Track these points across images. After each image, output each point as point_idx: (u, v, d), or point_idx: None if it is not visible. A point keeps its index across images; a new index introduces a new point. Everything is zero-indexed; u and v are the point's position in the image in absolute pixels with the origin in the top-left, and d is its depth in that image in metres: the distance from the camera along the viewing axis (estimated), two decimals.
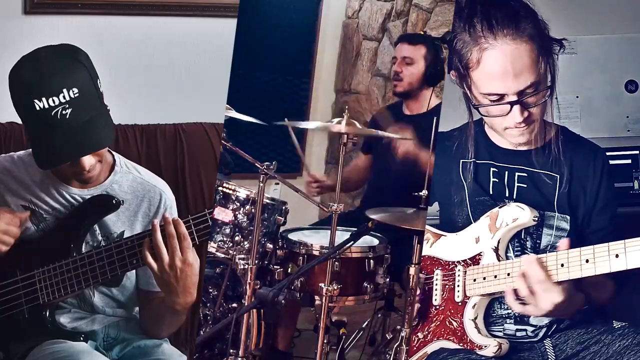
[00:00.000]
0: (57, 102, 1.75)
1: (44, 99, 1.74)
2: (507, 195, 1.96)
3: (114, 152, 2.06)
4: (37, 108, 1.74)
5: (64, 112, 1.75)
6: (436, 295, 1.98)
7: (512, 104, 1.80)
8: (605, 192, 1.94)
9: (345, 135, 2.32)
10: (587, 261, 1.71)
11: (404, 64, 2.94)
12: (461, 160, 1.99)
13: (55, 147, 1.78)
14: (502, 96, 1.81)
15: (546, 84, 1.81)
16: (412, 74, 2.93)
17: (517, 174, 1.95)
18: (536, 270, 1.74)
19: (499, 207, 1.92)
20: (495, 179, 1.97)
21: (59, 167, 1.88)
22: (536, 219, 1.87)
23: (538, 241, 1.93)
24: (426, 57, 2.92)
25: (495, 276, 1.88)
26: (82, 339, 1.92)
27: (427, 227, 2.08)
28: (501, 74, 1.78)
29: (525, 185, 1.95)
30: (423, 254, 2.06)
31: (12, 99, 1.82)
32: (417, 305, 2.01)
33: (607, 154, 2.78)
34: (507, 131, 1.89)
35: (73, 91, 1.76)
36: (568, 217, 1.92)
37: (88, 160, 1.84)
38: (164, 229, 1.81)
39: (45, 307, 1.91)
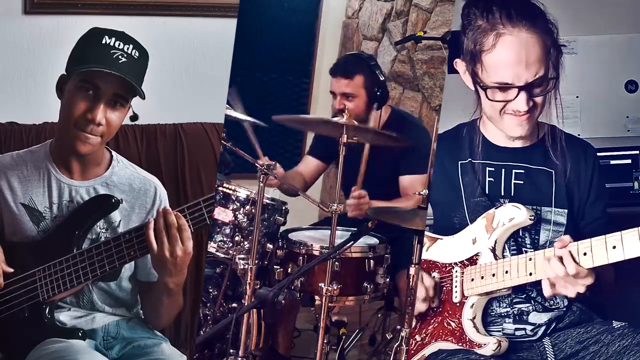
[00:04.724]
0: (120, 47, 1.89)
1: (113, 38, 1.89)
2: (503, 193, 1.96)
3: (110, 149, 2.08)
4: (103, 42, 1.89)
5: (120, 57, 1.89)
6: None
7: (520, 88, 1.82)
8: (597, 186, 1.97)
9: (345, 136, 2.33)
10: (585, 254, 1.73)
11: (344, 99, 2.75)
12: (460, 162, 2.00)
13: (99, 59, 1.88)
14: (509, 87, 1.83)
15: (552, 76, 1.84)
16: (356, 106, 2.73)
17: (514, 171, 1.96)
18: (570, 263, 1.75)
19: (495, 208, 1.93)
20: (491, 179, 1.97)
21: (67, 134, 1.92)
22: (532, 218, 1.89)
23: (536, 237, 1.94)
24: (366, 85, 2.74)
25: (494, 274, 1.89)
26: (80, 335, 1.93)
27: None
28: (515, 61, 1.81)
29: (522, 182, 1.96)
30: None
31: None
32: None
33: (607, 154, 2.78)
34: (506, 119, 1.88)
35: (135, 54, 1.92)
36: (565, 212, 1.94)
37: (101, 112, 1.89)
38: (165, 218, 1.87)
39: (45, 305, 1.92)
